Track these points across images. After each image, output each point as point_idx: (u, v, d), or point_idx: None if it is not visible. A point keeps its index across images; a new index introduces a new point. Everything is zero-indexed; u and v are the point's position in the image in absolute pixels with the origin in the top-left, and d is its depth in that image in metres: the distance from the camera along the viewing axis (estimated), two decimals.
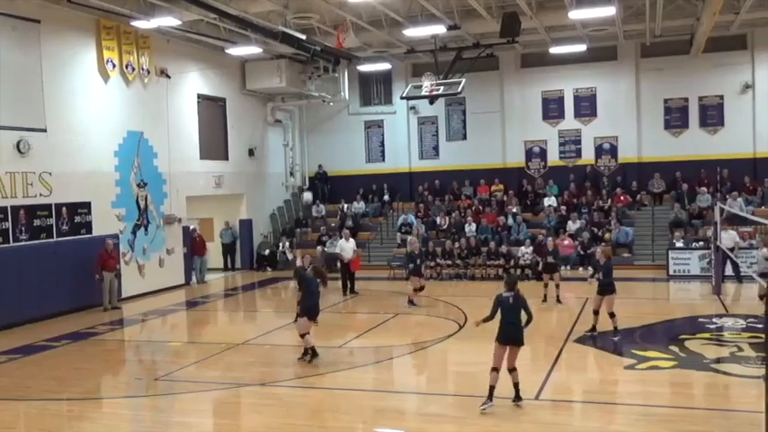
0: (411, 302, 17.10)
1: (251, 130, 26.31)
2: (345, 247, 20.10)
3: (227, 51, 23.07)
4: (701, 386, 10.63)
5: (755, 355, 11.42)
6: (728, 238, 19.14)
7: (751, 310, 14.84)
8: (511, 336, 9.27)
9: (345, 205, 27.32)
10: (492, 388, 9.16)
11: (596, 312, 13.57)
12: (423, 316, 16.15)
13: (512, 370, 9.27)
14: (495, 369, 9.22)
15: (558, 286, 17.22)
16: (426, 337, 13.92)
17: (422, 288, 17.31)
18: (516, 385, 9.29)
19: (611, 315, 13.42)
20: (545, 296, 17.18)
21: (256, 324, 17.19)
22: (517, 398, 9.30)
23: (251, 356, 13.00)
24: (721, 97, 25.05)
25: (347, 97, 27.14)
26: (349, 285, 19.67)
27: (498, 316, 9.44)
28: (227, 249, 25.44)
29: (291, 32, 19.52)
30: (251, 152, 26.05)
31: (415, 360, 12.52)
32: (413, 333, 14.63)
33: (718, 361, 11.55)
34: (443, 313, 16.30)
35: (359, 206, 27.51)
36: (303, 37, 19.81)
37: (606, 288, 13.44)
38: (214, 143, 24.30)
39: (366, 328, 14.84)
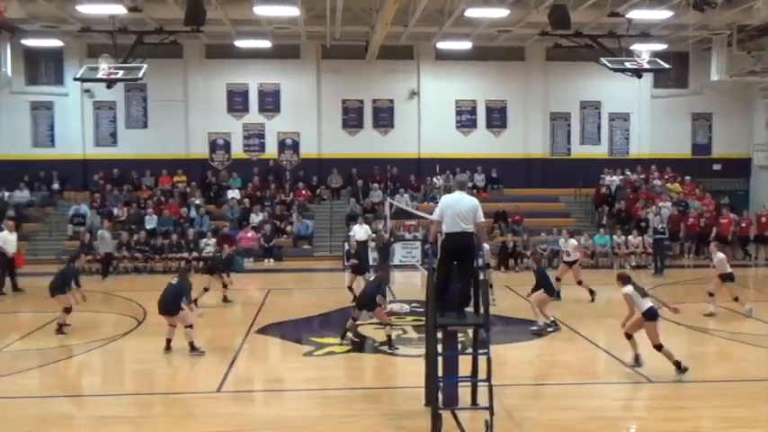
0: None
1: None
2: (9, 239, 17.93)
3: None
4: (371, 368, 11.47)
5: (417, 336, 12.62)
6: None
7: (414, 296, 16.34)
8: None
9: (7, 193, 24.48)
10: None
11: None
12: (96, 313, 15.02)
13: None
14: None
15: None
16: (101, 335, 13.06)
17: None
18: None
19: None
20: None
21: None
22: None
23: None
24: (392, 101, 27.27)
25: (10, 74, 24.30)
26: (11, 283, 17.66)
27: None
28: None
29: None
30: None
31: (88, 360, 11.67)
32: (86, 332, 13.55)
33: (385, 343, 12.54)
34: (120, 309, 15.41)
35: (22, 195, 24.86)
36: None
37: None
38: None
39: (31, 329, 13.47)
